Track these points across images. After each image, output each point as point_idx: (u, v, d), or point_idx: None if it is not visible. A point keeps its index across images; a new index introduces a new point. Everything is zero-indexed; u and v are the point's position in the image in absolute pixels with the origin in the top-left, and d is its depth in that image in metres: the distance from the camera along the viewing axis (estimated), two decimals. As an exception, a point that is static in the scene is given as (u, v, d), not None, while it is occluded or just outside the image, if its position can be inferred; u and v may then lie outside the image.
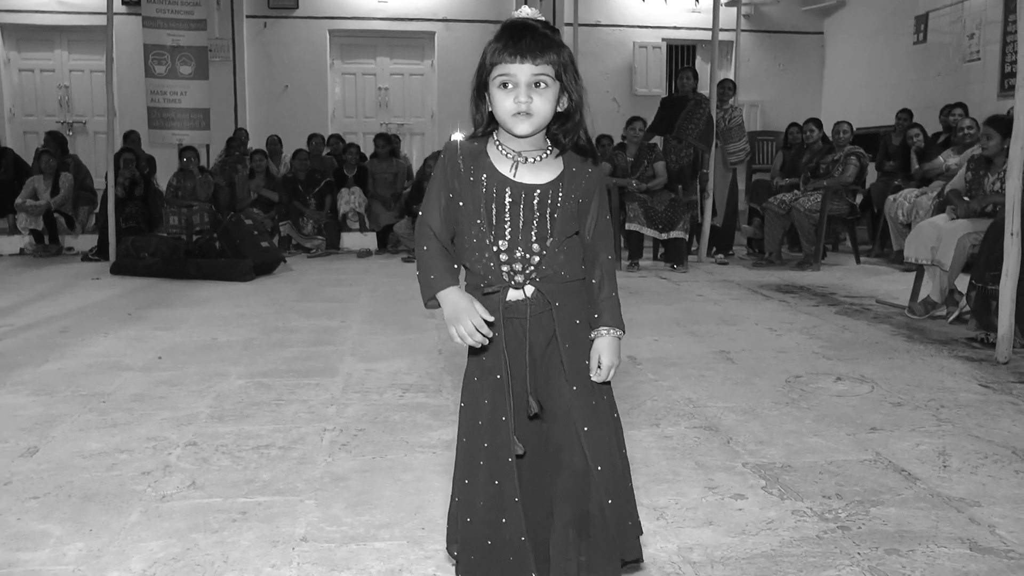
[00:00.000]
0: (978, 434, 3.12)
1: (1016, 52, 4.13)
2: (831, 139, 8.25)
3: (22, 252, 9.03)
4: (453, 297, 1.65)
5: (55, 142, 9.57)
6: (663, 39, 12.18)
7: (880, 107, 10.24)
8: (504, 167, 1.68)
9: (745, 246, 9.00)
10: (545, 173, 1.69)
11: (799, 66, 12.43)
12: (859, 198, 8.31)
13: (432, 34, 11.80)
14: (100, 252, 8.40)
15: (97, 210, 9.40)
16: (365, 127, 11.84)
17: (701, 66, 11.91)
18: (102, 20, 8.17)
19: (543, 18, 1.67)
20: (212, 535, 2.29)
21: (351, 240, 9.43)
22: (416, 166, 10.36)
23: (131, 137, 9.79)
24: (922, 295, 5.40)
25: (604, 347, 1.70)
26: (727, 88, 8.63)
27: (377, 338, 4.79)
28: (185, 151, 9.22)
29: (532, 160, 1.69)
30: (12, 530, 2.32)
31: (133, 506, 2.48)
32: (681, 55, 12.33)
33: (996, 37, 8.98)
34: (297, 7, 11.47)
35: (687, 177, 8.03)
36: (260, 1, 11.41)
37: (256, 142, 10.46)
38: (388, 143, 9.83)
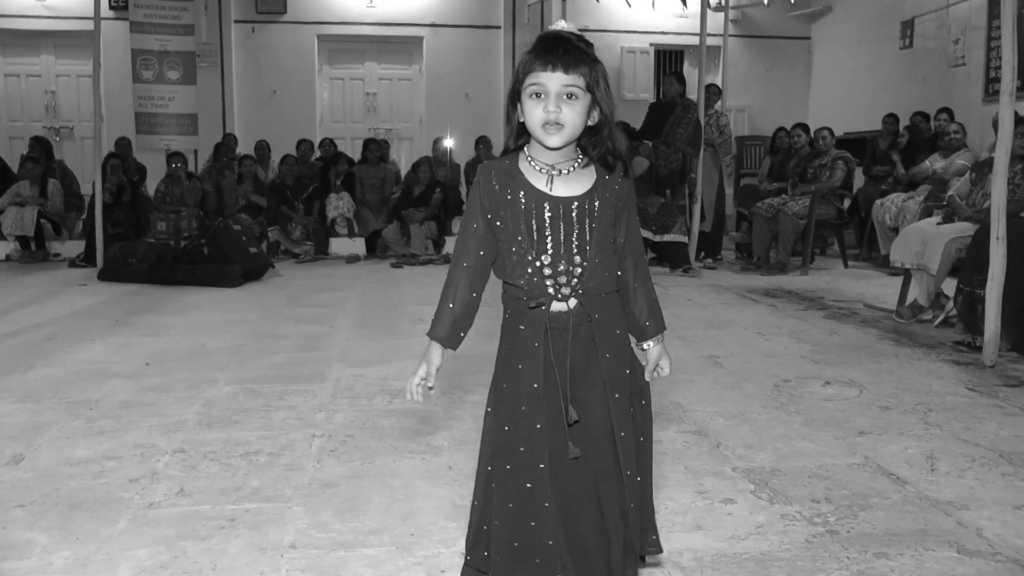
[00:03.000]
0: (965, 437, 3.13)
1: (1000, 57, 4.15)
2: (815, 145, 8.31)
3: (8, 258, 8.97)
4: (432, 349, 1.77)
5: (40, 148, 9.52)
6: (651, 44, 12.22)
7: (867, 112, 10.29)
8: (540, 182, 1.69)
9: (733, 251, 9.03)
10: (579, 184, 1.70)
11: (786, 71, 12.49)
12: (847, 202, 8.36)
13: (420, 39, 11.80)
14: (87, 258, 8.35)
15: (84, 216, 9.36)
16: (353, 132, 11.82)
17: (689, 71, 11.95)
18: (89, 25, 8.14)
19: (579, 32, 1.68)
20: (200, 543, 2.28)
21: (339, 245, 9.42)
22: (404, 171, 10.35)
23: (121, 143, 9.75)
24: (909, 299, 5.43)
25: (660, 353, 1.81)
26: (712, 93, 8.68)
27: (366, 344, 4.78)
28: (173, 156, 9.18)
29: (565, 172, 1.70)
30: (-2, 539, 2.30)
31: (121, 514, 2.46)
32: (669, 60, 12.37)
33: (981, 43, 9.05)
34: (285, 12, 11.45)
35: (676, 182, 8.06)
36: (248, 6, 11.39)
37: (244, 147, 10.42)
38: (378, 148, 9.83)
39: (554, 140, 1.64)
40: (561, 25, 1.69)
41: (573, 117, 1.63)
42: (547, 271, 1.68)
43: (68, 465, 2.86)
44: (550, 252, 1.67)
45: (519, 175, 1.69)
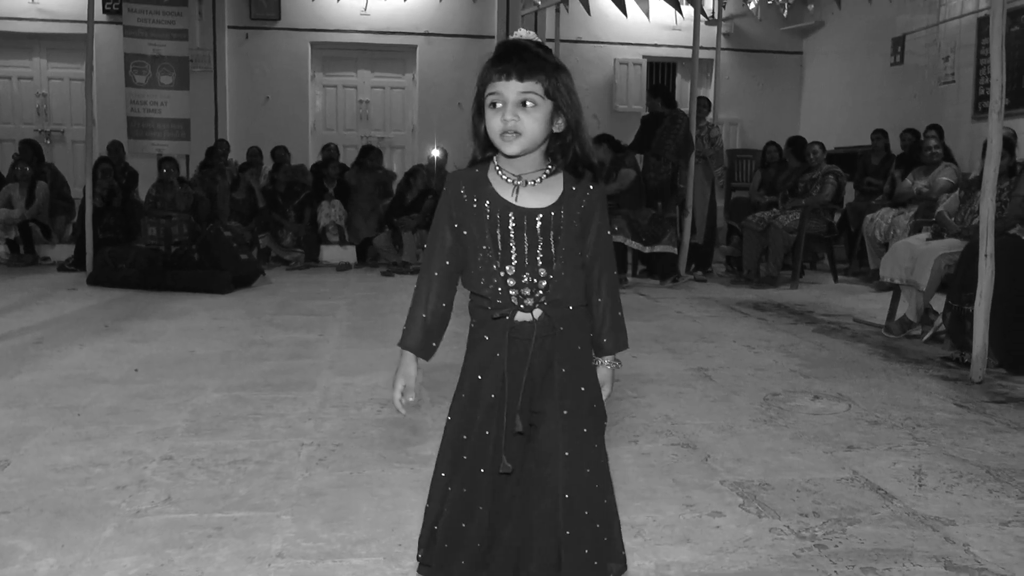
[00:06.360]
0: (953, 453, 3.14)
1: (989, 75, 4.19)
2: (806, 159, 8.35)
3: (-4, 261, 8.94)
4: (405, 361, 1.75)
5: (32, 150, 9.49)
6: (644, 56, 12.26)
7: (858, 127, 10.35)
8: (506, 192, 1.67)
9: (724, 264, 9.05)
10: (546, 196, 1.68)
11: (778, 85, 12.56)
12: (837, 217, 8.39)
13: (414, 48, 11.82)
14: (77, 262, 8.32)
15: (74, 220, 9.32)
16: (345, 140, 11.81)
17: (681, 84, 12.02)
18: (82, 28, 8.12)
19: (538, 39, 1.66)
20: (187, 551, 2.27)
21: (330, 253, 9.40)
22: (397, 180, 10.34)
23: (113, 148, 9.73)
24: (898, 314, 5.45)
25: (606, 378, 1.77)
26: (702, 106, 8.74)
27: (355, 352, 4.77)
28: (164, 162, 9.16)
29: (532, 182, 1.68)
30: (-18, 545, 2.29)
31: (107, 521, 2.45)
32: (662, 72, 12.41)
33: (970, 60, 9.11)
34: (279, 19, 11.45)
35: (666, 193, 8.08)
36: (242, 12, 11.39)
37: (236, 154, 10.40)
38: (377, 156, 9.82)
39: (512, 148, 1.62)
40: (520, 33, 1.66)
41: (532, 125, 1.61)
42: (511, 282, 1.66)
43: (54, 471, 2.84)
44: (514, 263, 1.66)
45: (487, 184, 1.68)
